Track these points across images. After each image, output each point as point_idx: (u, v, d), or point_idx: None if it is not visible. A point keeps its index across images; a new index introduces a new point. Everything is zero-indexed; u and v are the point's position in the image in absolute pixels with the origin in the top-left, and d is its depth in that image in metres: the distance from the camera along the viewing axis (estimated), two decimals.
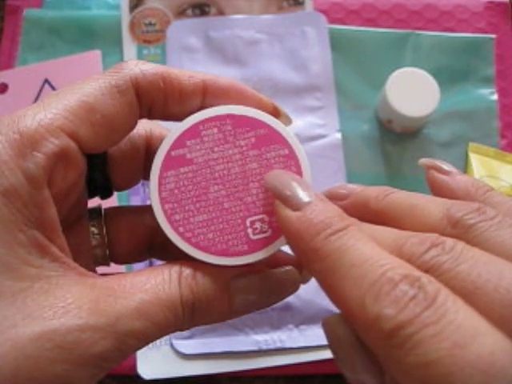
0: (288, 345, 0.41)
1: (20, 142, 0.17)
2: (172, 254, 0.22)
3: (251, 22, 0.50)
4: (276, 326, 0.42)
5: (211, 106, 0.20)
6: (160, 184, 0.19)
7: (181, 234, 0.19)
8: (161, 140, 0.20)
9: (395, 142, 0.47)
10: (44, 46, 0.49)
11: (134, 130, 0.21)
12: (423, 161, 0.22)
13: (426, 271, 0.15)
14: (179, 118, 0.20)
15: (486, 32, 0.51)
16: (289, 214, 0.17)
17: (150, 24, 0.50)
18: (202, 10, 0.50)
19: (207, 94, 0.20)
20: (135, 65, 0.19)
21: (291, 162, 0.20)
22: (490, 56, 0.50)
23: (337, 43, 0.49)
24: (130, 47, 0.49)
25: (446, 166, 0.21)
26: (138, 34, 0.50)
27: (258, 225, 0.19)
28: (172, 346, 0.41)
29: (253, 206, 0.20)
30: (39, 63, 0.48)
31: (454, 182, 0.20)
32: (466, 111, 0.48)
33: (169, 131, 0.20)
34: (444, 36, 0.50)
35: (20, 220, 0.16)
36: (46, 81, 0.47)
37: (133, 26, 0.50)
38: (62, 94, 0.18)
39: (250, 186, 0.20)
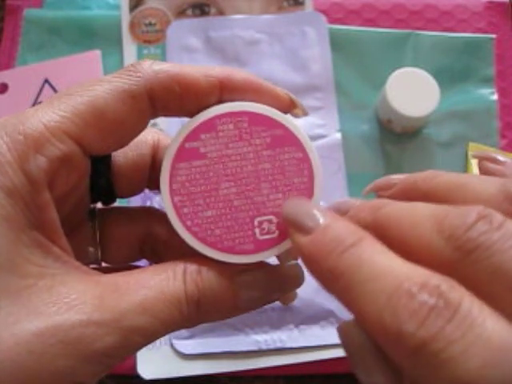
0: (288, 345, 0.41)
1: (24, 144, 0.17)
2: (167, 257, 0.22)
3: (251, 22, 0.50)
4: (276, 326, 0.42)
5: (227, 101, 0.20)
6: (171, 175, 0.19)
7: (188, 228, 0.19)
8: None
9: (395, 141, 0.47)
10: (44, 46, 0.49)
11: (142, 138, 0.21)
12: (476, 153, 0.21)
13: (471, 251, 0.14)
14: (194, 114, 0.20)
15: (486, 32, 0.51)
16: (301, 239, 0.17)
17: (150, 24, 0.50)
18: (202, 10, 0.50)
19: (224, 91, 0.20)
20: (149, 66, 0.19)
21: (304, 165, 0.20)
22: (489, 56, 0.50)
23: (337, 43, 0.49)
24: (130, 47, 0.49)
25: (500, 157, 0.20)
26: (138, 33, 0.50)
27: (265, 225, 0.19)
28: (172, 346, 0.41)
29: (262, 206, 0.19)
30: (39, 63, 0.48)
31: (508, 171, 0.19)
32: (466, 111, 0.48)
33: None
34: (444, 36, 0.50)
35: (22, 220, 0.16)
36: (46, 81, 0.47)
37: (133, 26, 0.50)
38: (73, 96, 0.18)
39: (261, 185, 0.20)
